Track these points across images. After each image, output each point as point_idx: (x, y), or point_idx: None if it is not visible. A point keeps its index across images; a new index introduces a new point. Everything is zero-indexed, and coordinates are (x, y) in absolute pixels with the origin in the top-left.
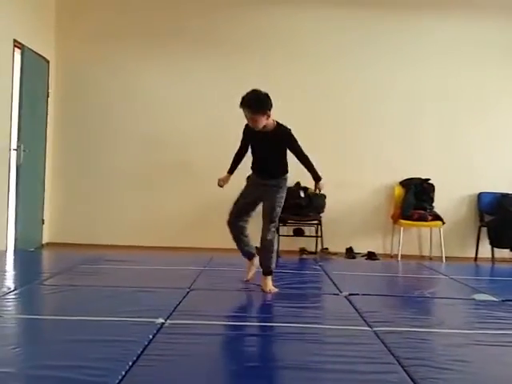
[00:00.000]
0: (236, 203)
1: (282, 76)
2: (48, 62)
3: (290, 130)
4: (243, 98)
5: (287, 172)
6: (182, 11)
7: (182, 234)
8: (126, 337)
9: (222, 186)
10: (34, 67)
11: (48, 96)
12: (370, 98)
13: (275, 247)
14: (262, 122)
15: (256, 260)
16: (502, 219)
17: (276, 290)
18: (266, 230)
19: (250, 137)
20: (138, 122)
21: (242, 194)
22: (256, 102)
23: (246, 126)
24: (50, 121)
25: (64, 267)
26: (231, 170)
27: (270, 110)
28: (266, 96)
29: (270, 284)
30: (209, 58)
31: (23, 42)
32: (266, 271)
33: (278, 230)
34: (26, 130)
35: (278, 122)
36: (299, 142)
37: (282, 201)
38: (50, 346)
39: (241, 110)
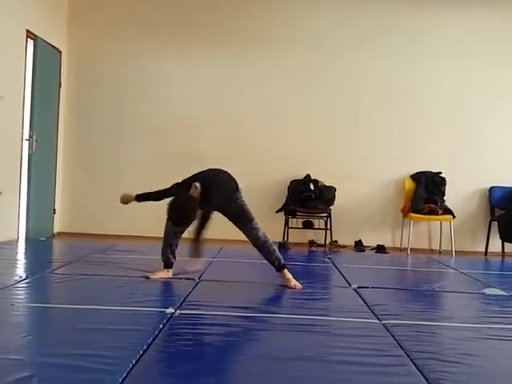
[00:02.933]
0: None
1: (293, 67)
2: (60, 52)
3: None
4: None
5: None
6: (195, 2)
7: (191, 225)
8: (137, 326)
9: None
10: (47, 58)
11: (60, 86)
12: (382, 92)
13: (270, 240)
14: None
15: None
16: None
17: (300, 286)
18: (251, 230)
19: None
20: (149, 112)
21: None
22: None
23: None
24: (61, 111)
25: (75, 257)
26: (139, 198)
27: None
28: (186, 203)
29: (291, 278)
30: (220, 48)
31: (36, 33)
32: (279, 266)
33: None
34: (38, 121)
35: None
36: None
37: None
38: (60, 334)
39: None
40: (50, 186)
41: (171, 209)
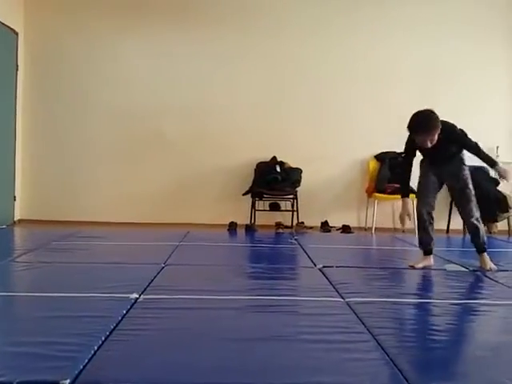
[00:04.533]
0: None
1: (259, 49)
2: (17, 34)
3: (455, 127)
4: (417, 125)
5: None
6: None
7: (157, 210)
8: (99, 312)
9: (406, 223)
10: (2, 39)
11: (17, 69)
12: (345, 72)
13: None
14: (436, 137)
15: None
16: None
17: (495, 267)
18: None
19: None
20: (112, 94)
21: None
22: (432, 127)
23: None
24: (19, 95)
25: (36, 244)
26: (408, 192)
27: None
28: (433, 113)
29: (488, 261)
30: (186, 30)
31: None
32: (480, 249)
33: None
34: None
35: (442, 125)
36: (469, 136)
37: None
38: (21, 322)
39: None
40: (9, 173)
41: (411, 120)
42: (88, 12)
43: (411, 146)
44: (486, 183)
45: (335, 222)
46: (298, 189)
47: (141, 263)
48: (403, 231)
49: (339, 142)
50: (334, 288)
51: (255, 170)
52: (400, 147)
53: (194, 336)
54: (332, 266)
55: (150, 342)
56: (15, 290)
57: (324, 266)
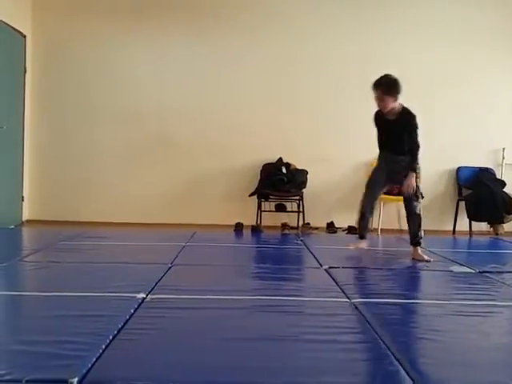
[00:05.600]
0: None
1: (265, 51)
2: (25, 36)
3: (414, 116)
4: (376, 80)
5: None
6: None
7: (164, 210)
8: (107, 312)
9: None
10: (11, 42)
11: (25, 71)
12: (351, 73)
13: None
14: (389, 104)
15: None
16: (480, 193)
17: (427, 258)
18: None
19: (379, 123)
20: (118, 96)
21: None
22: (386, 85)
23: (375, 114)
24: (27, 97)
25: (44, 244)
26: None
27: (397, 94)
28: (396, 81)
29: (419, 253)
30: (189, 32)
31: None
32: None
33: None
34: (3, 107)
35: (403, 107)
36: (418, 131)
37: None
38: (30, 321)
39: (219, 86)
40: (17, 174)
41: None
42: (95, 15)
43: (376, 120)
44: (492, 185)
45: (341, 222)
46: (303, 190)
47: (148, 263)
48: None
49: (344, 143)
50: (340, 288)
51: (261, 171)
52: None
53: (200, 336)
54: (338, 267)
55: (157, 342)
56: (24, 290)
57: (330, 267)
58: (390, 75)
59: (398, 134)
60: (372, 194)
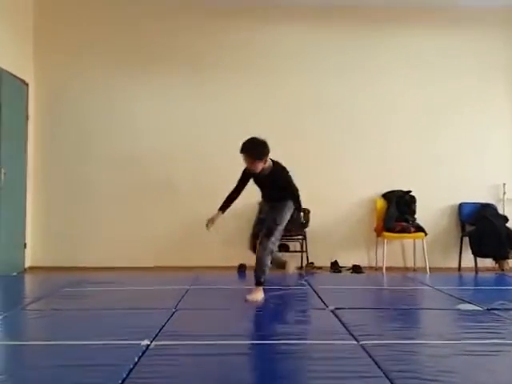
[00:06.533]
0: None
1: (267, 90)
2: (27, 84)
3: (284, 169)
4: (243, 145)
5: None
6: (164, 31)
7: (166, 254)
8: (111, 360)
9: (209, 228)
10: (13, 90)
11: (27, 119)
12: (350, 112)
13: (267, 261)
14: (260, 166)
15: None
16: (483, 229)
17: (257, 300)
18: (259, 243)
19: (251, 177)
20: (120, 141)
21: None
22: (254, 151)
23: (245, 170)
24: (30, 143)
25: (47, 291)
26: (224, 208)
27: (266, 156)
28: (264, 144)
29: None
30: (190, 76)
31: (1, 66)
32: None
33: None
34: (6, 154)
35: (273, 163)
36: (292, 178)
37: (283, 218)
38: (34, 371)
39: (219, 127)
40: (20, 220)
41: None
42: (94, 62)
43: (245, 174)
44: (495, 220)
45: (345, 261)
46: (306, 229)
47: (151, 308)
48: (414, 270)
49: (346, 181)
50: (348, 330)
51: None
52: (406, 186)
53: (204, 383)
54: (344, 308)
55: None
56: (25, 339)
57: (336, 308)
58: (256, 139)
59: (273, 187)
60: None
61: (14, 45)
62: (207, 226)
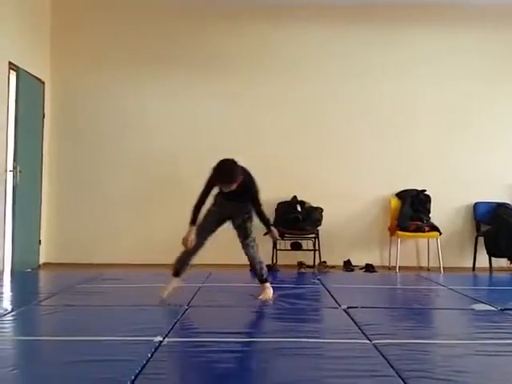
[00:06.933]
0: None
1: (278, 90)
2: (43, 83)
3: (253, 184)
4: (221, 175)
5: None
6: (176, 31)
7: (179, 252)
8: (124, 356)
9: (190, 246)
10: (30, 89)
11: (44, 117)
12: (365, 110)
13: (260, 257)
14: (236, 185)
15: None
16: (498, 228)
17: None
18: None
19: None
20: (133, 142)
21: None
22: (234, 176)
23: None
24: (45, 141)
25: (61, 287)
26: (196, 222)
27: (240, 176)
28: (235, 163)
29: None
30: (200, 79)
31: (18, 65)
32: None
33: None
34: (22, 152)
35: (244, 175)
36: (258, 191)
37: (251, 221)
38: (48, 367)
39: (230, 127)
40: (35, 217)
41: (217, 166)
42: (109, 62)
43: (211, 185)
44: (510, 219)
45: (358, 260)
46: (319, 228)
47: (164, 305)
48: (428, 269)
49: (359, 180)
50: (360, 329)
51: (276, 209)
52: (420, 185)
53: (219, 381)
54: (357, 307)
55: None
56: (40, 335)
57: (349, 307)
58: (227, 164)
59: (240, 194)
60: (203, 237)
61: (31, 45)
62: (187, 244)
